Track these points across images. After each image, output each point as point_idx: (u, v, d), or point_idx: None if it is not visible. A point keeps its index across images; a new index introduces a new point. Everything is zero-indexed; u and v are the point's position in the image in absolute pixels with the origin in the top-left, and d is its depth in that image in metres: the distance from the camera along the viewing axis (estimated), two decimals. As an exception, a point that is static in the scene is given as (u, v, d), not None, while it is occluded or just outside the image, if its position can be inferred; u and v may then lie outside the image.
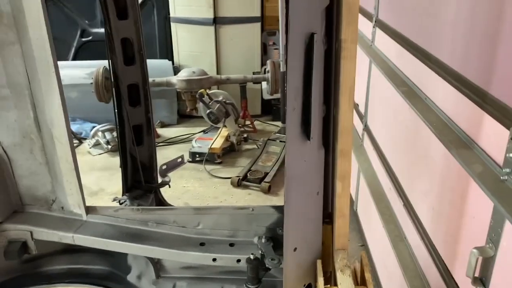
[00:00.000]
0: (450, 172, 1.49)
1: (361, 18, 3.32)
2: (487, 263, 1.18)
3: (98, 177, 4.21)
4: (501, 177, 1.12)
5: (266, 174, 4.16)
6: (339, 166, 1.38)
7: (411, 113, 1.87)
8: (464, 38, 1.47)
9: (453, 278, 1.46)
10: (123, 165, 2.11)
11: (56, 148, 1.56)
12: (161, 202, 2.22)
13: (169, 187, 2.21)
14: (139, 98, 2.07)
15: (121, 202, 2.04)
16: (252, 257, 1.52)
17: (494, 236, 1.15)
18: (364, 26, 3.11)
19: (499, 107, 1.18)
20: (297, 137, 1.31)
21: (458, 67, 1.48)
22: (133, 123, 2.07)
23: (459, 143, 1.39)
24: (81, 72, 5.13)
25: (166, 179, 2.21)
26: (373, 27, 2.83)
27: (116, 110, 2.04)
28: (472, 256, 1.20)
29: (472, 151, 1.31)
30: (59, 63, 1.46)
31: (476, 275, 1.22)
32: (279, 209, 1.61)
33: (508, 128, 1.11)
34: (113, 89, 2.00)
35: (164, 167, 2.23)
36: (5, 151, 1.60)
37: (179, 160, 2.37)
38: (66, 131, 1.51)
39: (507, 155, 1.10)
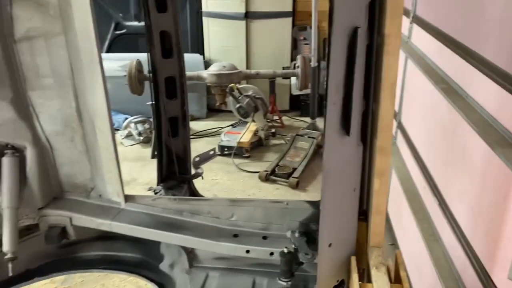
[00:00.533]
0: (493, 172, 1.45)
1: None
2: (531, 266, 1.15)
3: (130, 168, 4.30)
4: (550, 178, 1.09)
5: (294, 169, 4.15)
6: (378, 163, 1.37)
7: (450, 111, 1.83)
8: (509, 34, 1.43)
9: (491, 280, 1.42)
10: (159, 156, 2.14)
11: (97, 137, 1.60)
12: (193, 193, 2.25)
13: (202, 178, 2.24)
14: (176, 90, 2.10)
15: (156, 191, 2.07)
16: (286, 250, 1.52)
17: (540, 238, 1.12)
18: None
19: (550, 106, 1.14)
20: (336, 131, 1.30)
21: (504, 64, 1.44)
22: (169, 115, 2.10)
23: (503, 142, 1.35)
24: (115, 64, 5.22)
25: (199, 170, 2.23)
26: (410, 22, 2.78)
27: (153, 102, 2.07)
28: (515, 258, 1.17)
29: (518, 150, 1.27)
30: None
31: (519, 277, 1.19)
32: (314, 204, 1.60)
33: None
34: (151, 81, 2.03)
35: (197, 159, 2.26)
36: (47, 139, 1.65)
37: (212, 152, 2.39)
38: (108, 121, 1.55)
39: (558, 155, 1.06)
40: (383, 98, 1.30)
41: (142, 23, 1.98)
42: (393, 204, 3.02)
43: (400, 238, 2.83)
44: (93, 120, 1.57)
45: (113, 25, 5.90)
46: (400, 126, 2.95)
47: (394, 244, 2.92)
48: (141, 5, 1.90)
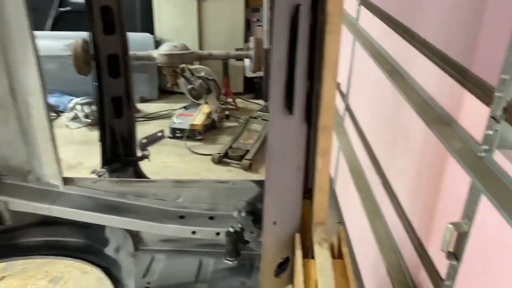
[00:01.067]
0: (429, 150, 1.51)
1: (346, -3, 3.31)
2: (462, 238, 1.21)
3: (77, 151, 4.14)
4: (479, 154, 1.14)
5: (247, 151, 4.16)
6: (321, 142, 1.38)
7: (393, 91, 1.88)
8: (448, 16, 1.47)
9: (427, 252, 1.49)
10: (102, 138, 2.07)
11: (31, 117, 1.51)
12: (140, 176, 2.20)
13: (149, 160, 2.19)
14: (119, 69, 2.02)
15: (99, 175, 2.01)
16: (231, 230, 1.52)
17: (470, 211, 1.18)
18: (349, 3, 3.09)
19: (480, 84, 1.19)
20: (280, 110, 1.30)
21: (442, 45, 1.49)
22: (112, 95, 2.03)
23: (439, 120, 1.40)
24: (59, 43, 4.97)
25: (146, 153, 2.18)
26: (359, 5, 2.82)
27: (96, 82, 1.99)
28: (447, 231, 1.22)
29: (451, 128, 1.33)
30: (36, 33, 1.40)
31: (451, 249, 1.25)
32: (260, 183, 1.61)
33: (488, 106, 1.12)
34: (93, 59, 1.94)
35: (144, 141, 2.20)
36: (-22, 120, 1.54)
37: (160, 134, 2.34)
38: (42, 100, 1.47)
39: (486, 132, 1.11)
40: (326, 77, 1.31)
41: None
42: (341, 183, 3.10)
43: (346, 216, 2.92)
44: (27, 99, 1.48)
45: (57, 2, 5.59)
46: (348, 108, 3.01)
47: (341, 222, 3.01)
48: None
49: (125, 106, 2.09)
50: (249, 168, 4.01)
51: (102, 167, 2.08)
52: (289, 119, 1.33)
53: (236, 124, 4.86)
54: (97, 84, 1.99)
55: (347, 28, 2.88)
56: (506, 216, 1.00)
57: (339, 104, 3.29)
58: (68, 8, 5.61)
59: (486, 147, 1.11)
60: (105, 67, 1.97)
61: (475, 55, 1.25)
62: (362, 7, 2.74)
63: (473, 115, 1.22)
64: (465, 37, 1.32)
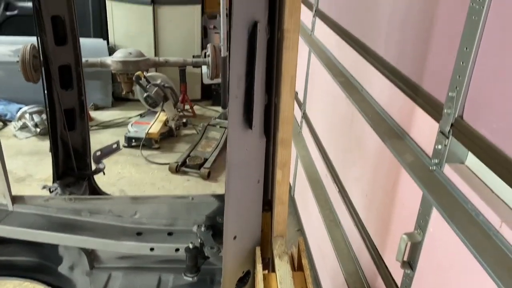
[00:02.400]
0: (383, 161, 1.56)
1: (302, 7, 3.36)
2: (415, 248, 1.26)
3: (26, 162, 3.95)
4: (430, 167, 1.19)
5: (206, 160, 4.13)
6: (279, 155, 1.40)
7: (348, 103, 1.93)
8: (398, 32, 1.53)
9: (383, 261, 1.54)
10: (54, 151, 1.99)
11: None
12: (95, 189, 2.13)
13: (104, 174, 2.12)
14: (72, 80, 1.95)
15: (51, 190, 1.92)
16: (191, 246, 1.50)
17: (422, 222, 1.23)
18: (305, 15, 3.15)
19: (430, 101, 1.24)
20: (239, 125, 1.30)
21: (393, 60, 1.54)
22: (64, 107, 1.95)
23: (392, 133, 1.45)
24: (6, 49, 4.75)
25: (101, 165, 2.12)
26: (313, 16, 2.88)
27: (46, 93, 1.91)
28: (401, 241, 1.27)
29: (404, 141, 1.38)
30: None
31: (405, 259, 1.29)
32: (220, 197, 1.60)
33: (437, 121, 1.18)
34: (43, 70, 1.86)
35: (99, 153, 2.13)
36: None
37: (115, 146, 2.28)
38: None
39: (436, 146, 1.16)
40: (283, 91, 1.33)
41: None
42: (299, 191, 3.15)
43: (305, 224, 2.96)
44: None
45: (2, 5, 5.33)
46: (305, 116, 3.06)
47: (300, 229, 3.05)
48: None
49: (78, 117, 2.02)
50: (207, 177, 3.98)
51: (54, 182, 1.99)
52: (248, 134, 1.34)
53: (194, 131, 4.82)
54: (47, 95, 1.91)
55: (303, 39, 2.94)
56: (455, 227, 1.05)
57: (297, 112, 3.34)
58: (15, 12, 5.37)
59: (436, 161, 1.17)
60: (56, 78, 1.90)
61: (425, 72, 1.30)
62: (317, 19, 2.80)
63: (423, 129, 1.28)
64: (415, 53, 1.38)
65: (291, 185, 3.38)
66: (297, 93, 3.39)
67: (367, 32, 1.86)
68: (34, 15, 1.77)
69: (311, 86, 2.97)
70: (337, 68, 2.20)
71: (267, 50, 1.33)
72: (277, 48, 1.34)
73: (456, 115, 1.09)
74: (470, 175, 1.08)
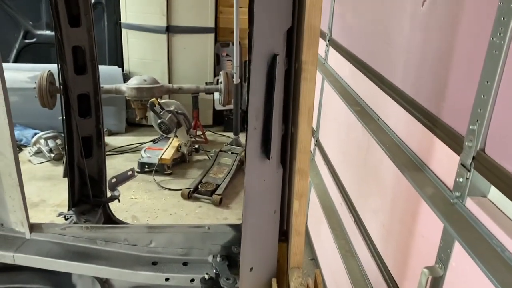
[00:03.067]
0: (402, 192, 1.54)
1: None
2: (437, 282, 1.23)
3: (40, 188, 3.98)
4: (451, 200, 1.17)
5: (218, 186, 4.12)
6: (297, 185, 1.39)
7: (364, 132, 1.92)
8: (416, 64, 1.54)
9: (402, 295, 1.50)
10: (70, 178, 2.00)
11: (-3, 161, 1.45)
12: (109, 217, 2.13)
13: (119, 201, 2.13)
14: (90, 108, 1.98)
15: (66, 217, 1.93)
16: (206, 276, 1.49)
17: (444, 256, 1.20)
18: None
19: (449, 133, 1.24)
20: (257, 156, 1.31)
21: (410, 91, 1.55)
22: (82, 135, 1.98)
23: (411, 165, 1.44)
24: (23, 75, 4.86)
25: (116, 193, 2.12)
26: (327, 45, 2.91)
27: (64, 121, 1.94)
28: (422, 275, 1.24)
29: (423, 174, 1.36)
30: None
31: (426, 293, 1.26)
32: (235, 227, 1.59)
33: (458, 154, 1.17)
34: (62, 98, 1.90)
35: (114, 180, 2.14)
36: None
37: (130, 173, 2.29)
38: (10, 142, 1.41)
39: (457, 179, 1.15)
40: (301, 122, 1.34)
41: (54, 33, 1.85)
42: (313, 219, 3.11)
43: (319, 253, 2.91)
44: (-7, 142, 1.42)
45: (22, 33, 5.49)
46: (318, 144, 3.06)
47: (314, 259, 3.00)
48: (52, 19, 1.77)
49: (95, 145, 2.04)
50: (219, 204, 3.96)
51: (70, 209, 2.00)
52: (266, 164, 1.34)
53: (206, 157, 4.83)
54: (65, 123, 1.94)
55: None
56: (479, 262, 1.03)
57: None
58: (33, 40, 5.51)
59: (457, 194, 1.15)
60: (75, 106, 1.93)
61: (444, 104, 1.30)
62: (330, 48, 2.83)
63: (443, 162, 1.27)
64: (434, 85, 1.38)
65: (304, 212, 3.34)
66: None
67: (382, 62, 1.87)
68: (56, 45, 1.82)
69: (324, 113, 2.98)
70: (352, 97, 2.21)
71: (285, 81, 1.35)
72: (294, 80, 1.36)
73: (478, 148, 1.08)
74: (493, 209, 1.06)
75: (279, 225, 1.52)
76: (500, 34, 1.00)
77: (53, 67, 3.87)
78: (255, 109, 1.25)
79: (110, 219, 2.14)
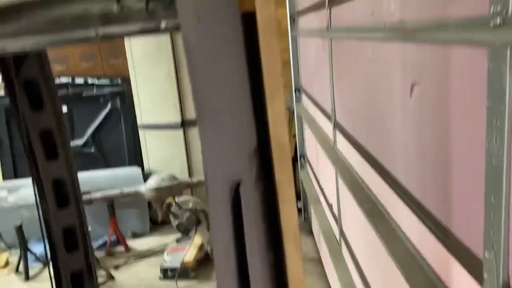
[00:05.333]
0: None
1: (321, 117, 3.26)
2: None
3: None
4: None
5: None
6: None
7: (375, 239, 1.66)
8: (417, 158, 1.33)
9: None
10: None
11: None
12: None
13: None
14: (77, 242, 1.84)
15: None
16: None
17: None
18: (325, 125, 3.03)
19: (466, 254, 0.99)
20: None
21: (415, 190, 1.32)
22: (71, 271, 1.82)
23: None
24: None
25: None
26: (333, 128, 2.74)
27: (50, 257, 1.80)
28: None
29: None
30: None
31: None
32: None
33: (480, 284, 0.91)
34: (43, 234, 1.77)
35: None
36: None
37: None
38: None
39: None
40: (288, 249, 1.13)
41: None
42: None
43: None
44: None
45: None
46: (343, 235, 2.78)
47: None
48: (26, 153, 1.70)
49: (86, 282, 1.87)
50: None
51: None
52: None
53: (232, 252, 4.56)
54: (51, 261, 1.80)
55: (326, 153, 2.78)
56: None
57: (334, 226, 3.08)
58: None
59: None
60: (60, 242, 1.80)
61: (453, 212, 1.06)
62: (337, 131, 2.66)
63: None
64: (437, 185, 1.16)
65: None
66: (331, 205, 3.15)
67: (383, 152, 1.66)
68: (33, 181, 1.73)
69: (342, 199, 2.73)
70: (363, 189, 1.97)
71: (260, 206, 1.16)
72: (272, 202, 1.17)
73: (501, 282, 0.83)
74: None
75: None
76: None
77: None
78: (223, 251, 1.06)
79: None
